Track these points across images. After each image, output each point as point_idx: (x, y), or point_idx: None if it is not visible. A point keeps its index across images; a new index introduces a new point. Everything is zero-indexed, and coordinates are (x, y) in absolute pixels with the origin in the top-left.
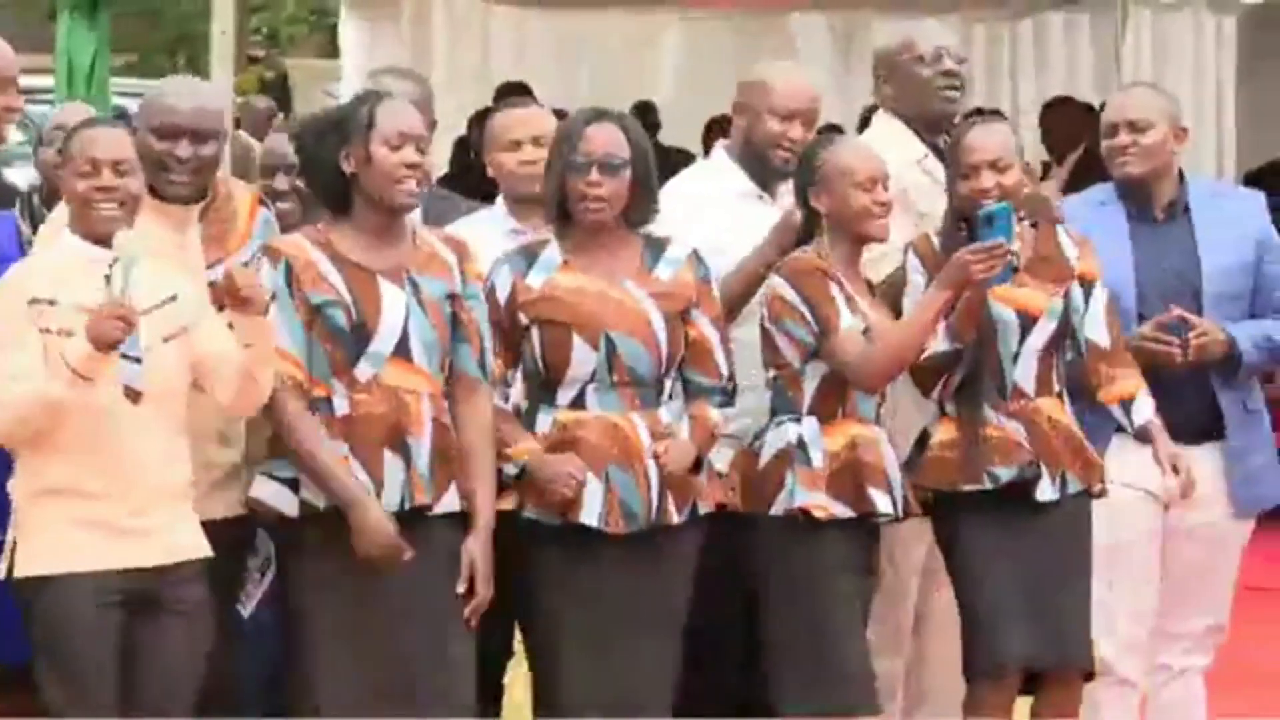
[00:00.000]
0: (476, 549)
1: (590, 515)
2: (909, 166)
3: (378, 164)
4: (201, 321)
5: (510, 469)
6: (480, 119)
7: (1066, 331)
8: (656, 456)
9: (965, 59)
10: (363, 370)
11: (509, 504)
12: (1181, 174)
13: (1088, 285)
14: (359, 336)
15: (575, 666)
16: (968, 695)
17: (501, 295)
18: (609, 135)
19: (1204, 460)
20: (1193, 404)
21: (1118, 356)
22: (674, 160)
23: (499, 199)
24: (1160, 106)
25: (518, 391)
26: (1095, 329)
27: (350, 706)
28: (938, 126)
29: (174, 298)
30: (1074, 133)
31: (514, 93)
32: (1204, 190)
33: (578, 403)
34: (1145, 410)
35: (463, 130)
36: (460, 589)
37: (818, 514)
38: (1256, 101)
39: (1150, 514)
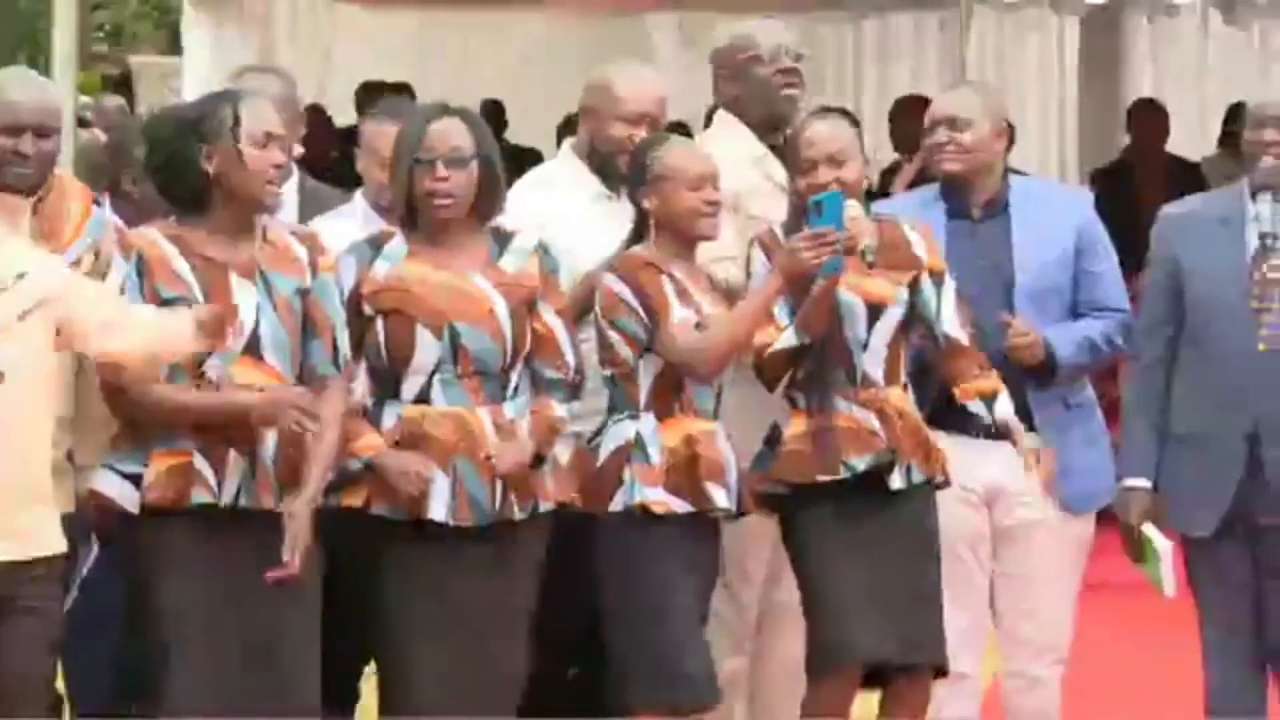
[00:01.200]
0: (299, 508)
1: (438, 510)
2: (746, 167)
3: (248, 164)
4: (68, 290)
5: (356, 464)
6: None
7: (912, 321)
8: (487, 458)
9: (804, 56)
10: (212, 367)
11: (357, 500)
12: (1007, 172)
13: (937, 278)
14: (210, 331)
15: (423, 662)
16: (808, 692)
17: (346, 285)
18: (453, 130)
19: (1013, 457)
20: (1014, 401)
21: (974, 353)
22: (523, 159)
23: (358, 195)
24: (981, 105)
25: (361, 386)
26: (951, 325)
27: (199, 701)
28: (777, 125)
29: (23, 275)
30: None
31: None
32: (1028, 188)
33: (423, 396)
34: (1006, 407)
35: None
36: (285, 556)
37: (656, 509)
38: (1099, 101)
39: (969, 515)
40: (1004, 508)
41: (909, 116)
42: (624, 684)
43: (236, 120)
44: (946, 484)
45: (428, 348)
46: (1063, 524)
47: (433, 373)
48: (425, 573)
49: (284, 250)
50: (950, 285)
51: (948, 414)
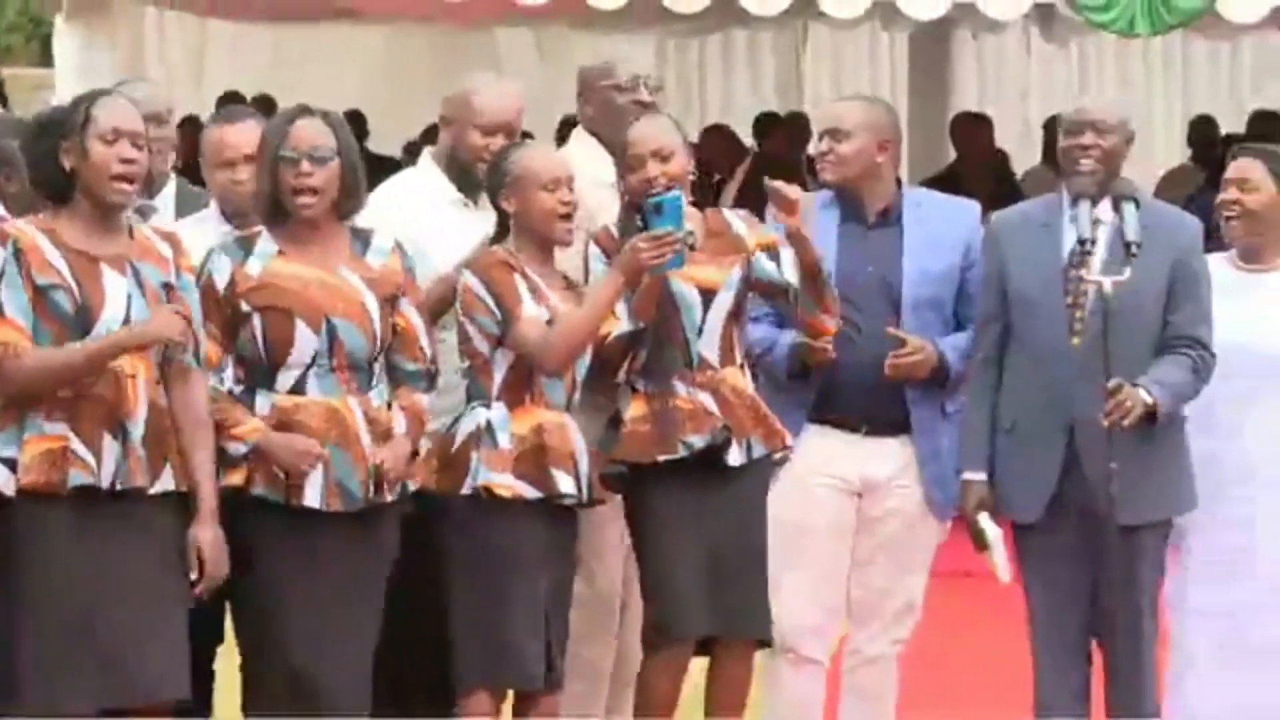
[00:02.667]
0: (204, 535)
1: (312, 497)
2: (599, 188)
3: (93, 159)
4: None
5: (239, 448)
6: (181, 126)
7: (744, 302)
8: (380, 464)
9: (661, 87)
10: None
11: (238, 479)
12: (899, 182)
13: (771, 250)
14: (82, 320)
15: (293, 639)
16: (642, 666)
17: (220, 283)
18: (315, 129)
19: (893, 452)
20: (885, 399)
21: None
22: (382, 167)
23: (213, 201)
24: (864, 117)
25: (229, 377)
26: (794, 275)
27: (65, 690)
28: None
29: None
30: (729, 156)
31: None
32: (920, 199)
33: (298, 387)
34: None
35: None
36: (193, 576)
37: (502, 493)
38: (928, 114)
39: (841, 503)
40: (873, 499)
41: (715, 144)
42: (459, 660)
43: (89, 118)
44: (786, 459)
45: (306, 341)
46: (924, 519)
47: (309, 365)
48: (297, 553)
49: (150, 246)
50: (788, 250)
51: (830, 408)
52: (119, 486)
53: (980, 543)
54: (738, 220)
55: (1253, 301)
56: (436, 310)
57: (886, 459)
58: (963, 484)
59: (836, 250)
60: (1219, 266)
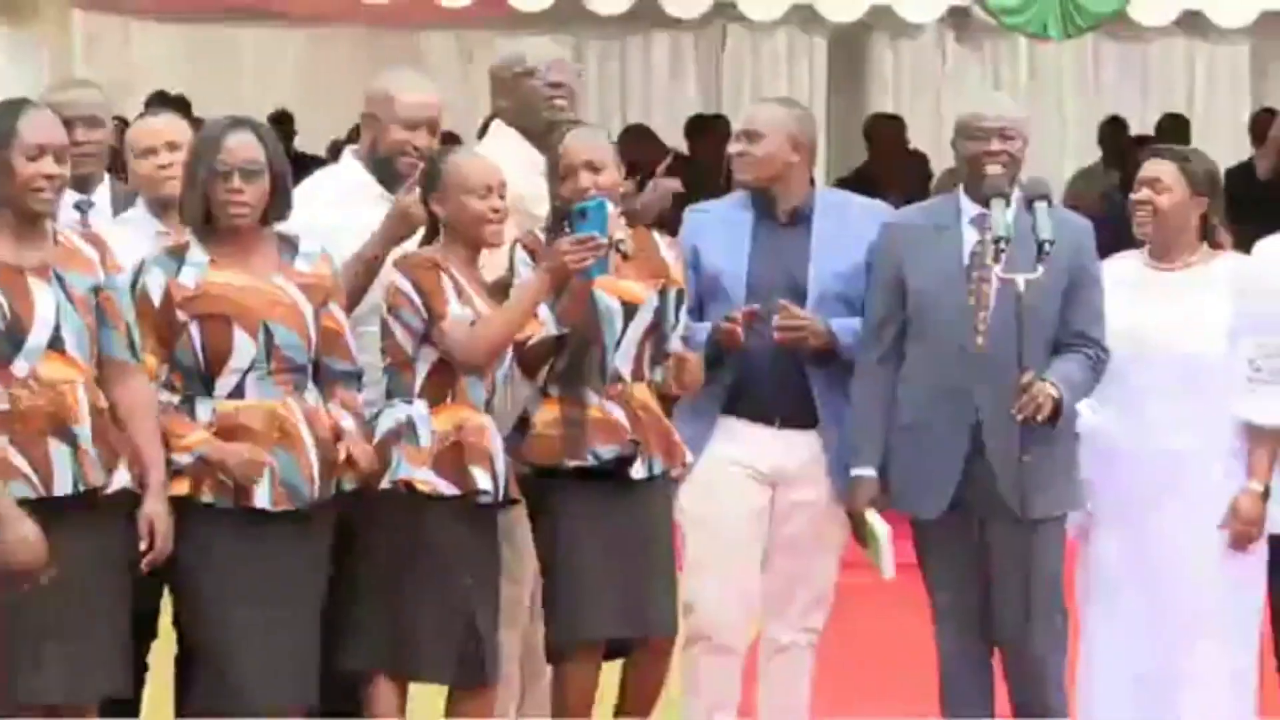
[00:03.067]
0: (155, 509)
1: (262, 498)
2: (527, 172)
3: (17, 175)
4: None
5: (184, 458)
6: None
7: (661, 323)
8: (349, 460)
9: (579, 71)
10: (19, 366)
11: (184, 489)
12: (812, 182)
13: (679, 295)
14: (13, 334)
15: (242, 639)
16: (554, 672)
17: (156, 296)
18: (246, 143)
19: (801, 444)
20: (792, 393)
21: (693, 364)
22: (307, 165)
23: (139, 202)
24: (779, 120)
25: (164, 387)
26: (677, 342)
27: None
28: (548, 137)
29: None
30: (648, 156)
31: (167, 104)
32: (832, 199)
33: (237, 391)
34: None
35: None
36: (142, 547)
37: (421, 488)
38: (845, 114)
39: (755, 492)
40: (785, 491)
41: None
42: (362, 649)
43: (13, 132)
44: (682, 477)
45: (244, 347)
46: (834, 511)
47: (247, 370)
48: (247, 554)
49: (75, 251)
50: (685, 305)
51: (742, 402)
52: (80, 488)
53: (864, 537)
54: (665, 246)
55: (1161, 299)
56: (355, 295)
57: (797, 451)
58: (852, 480)
59: (749, 249)
60: (1129, 264)
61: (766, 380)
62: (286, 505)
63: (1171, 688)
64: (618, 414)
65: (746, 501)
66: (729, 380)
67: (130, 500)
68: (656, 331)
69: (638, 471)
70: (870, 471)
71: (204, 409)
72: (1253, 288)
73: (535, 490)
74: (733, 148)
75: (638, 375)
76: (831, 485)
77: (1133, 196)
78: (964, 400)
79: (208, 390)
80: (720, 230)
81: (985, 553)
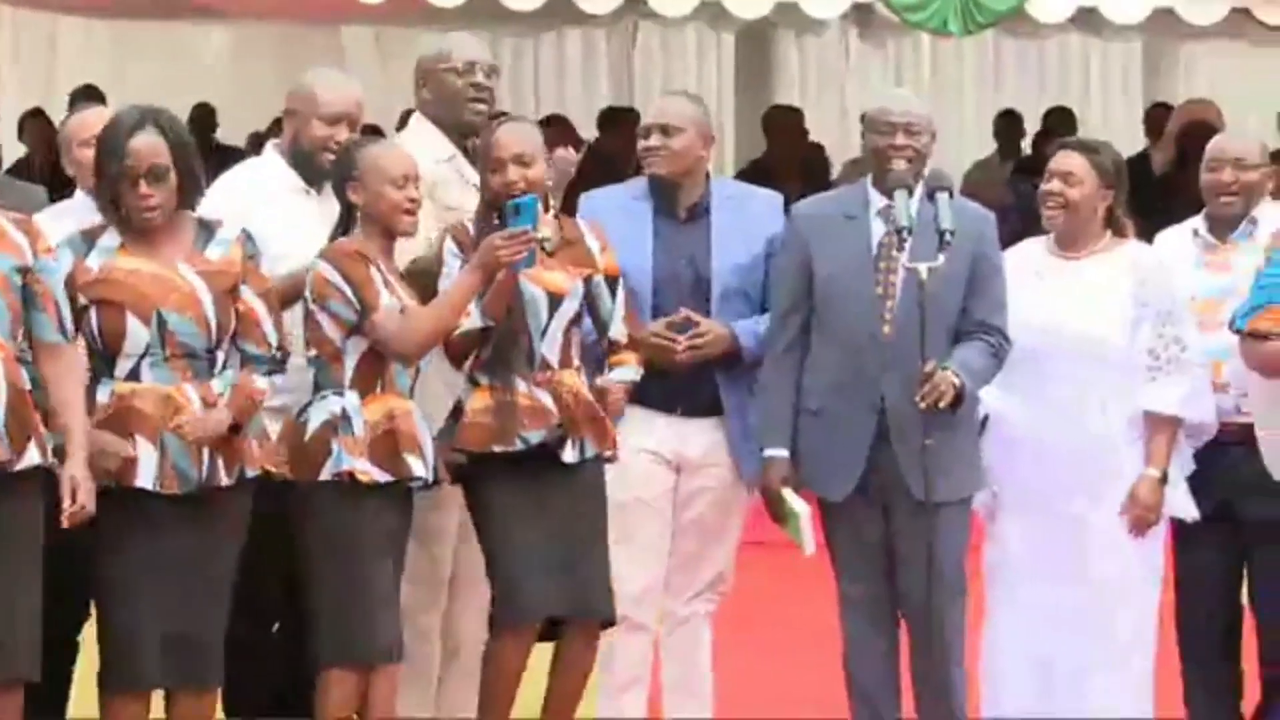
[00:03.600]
0: (75, 471)
1: (145, 479)
2: (439, 164)
3: None
4: None
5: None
6: (32, 117)
7: (584, 311)
8: (178, 428)
9: (496, 69)
10: None
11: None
12: (708, 176)
13: (612, 282)
14: None
15: (140, 628)
16: (488, 644)
17: (63, 276)
18: (152, 144)
19: (706, 432)
20: (699, 384)
21: (634, 348)
22: (228, 157)
23: (78, 191)
24: (691, 114)
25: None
26: (618, 329)
27: None
28: (467, 131)
29: None
30: (565, 143)
31: (87, 97)
32: (727, 192)
33: (134, 375)
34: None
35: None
36: (65, 505)
37: (361, 478)
38: (752, 108)
39: (663, 477)
40: (688, 476)
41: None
42: (318, 639)
43: None
44: (614, 458)
45: (137, 333)
46: (734, 494)
47: (142, 355)
48: (137, 538)
49: (2, 234)
50: (622, 292)
51: (650, 392)
52: None
53: (780, 516)
54: (591, 235)
55: (1065, 286)
56: (289, 299)
57: (699, 438)
58: (765, 461)
59: (652, 244)
60: (1035, 250)
61: (672, 372)
62: (175, 489)
63: (1073, 674)
64: (546, 400)
65: (653, 488)
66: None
67: (42, 477)
68: (583, 319)
69: (569, 455)
70: (782, 452)
71: (104, 390)
72: (1153, 278)
73: (470, 476)
74: (647, 141)
75: (565, 362)
76: (733, 468)
77: (1044, 187)
78: (870, 387)
79: (109, 371)
80: (620, 222)
81: (891, 536)
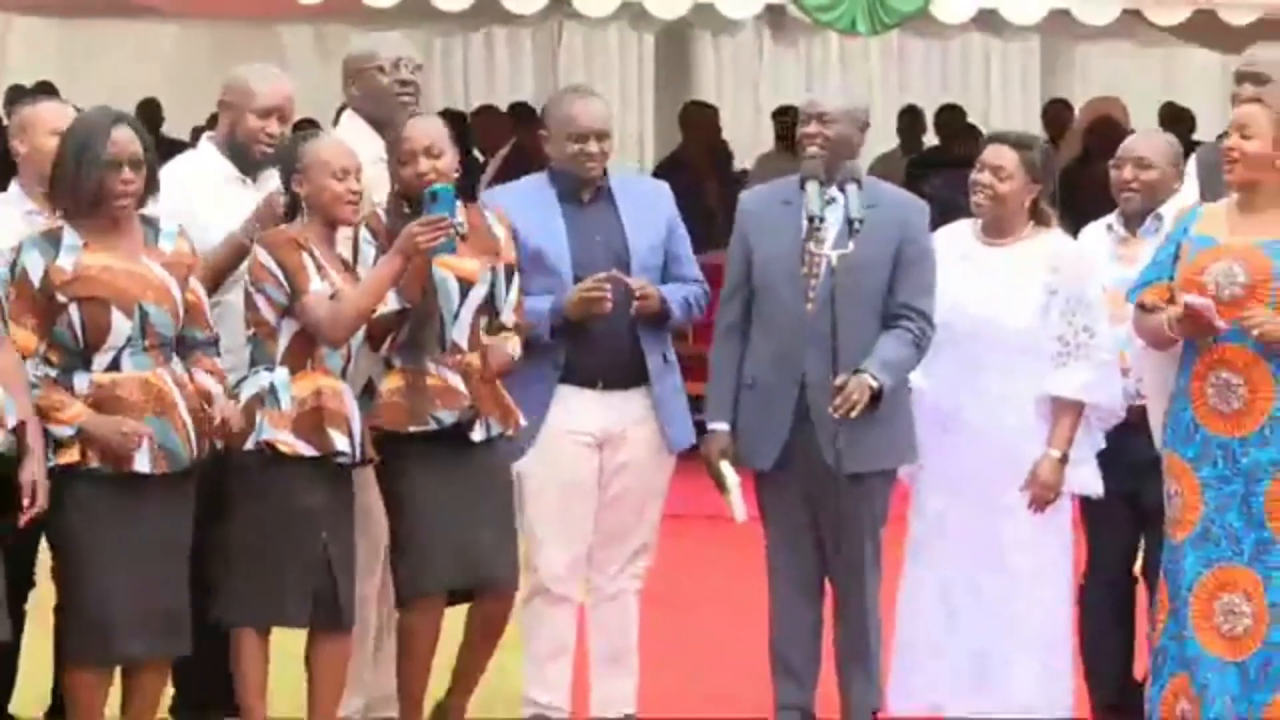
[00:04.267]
0: (34, 470)
1: (142, 463)
2: (370, 163)
3: None
4: None
5: (65, 430)
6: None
7: (493, 297)
8: (225, 421)
9: (421, 66)
10: None
11: (71, 457)
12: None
13: (509, 270)
14: None
15: (118, 605)
16: (400, 618)
17: (35, 277)
18: (131, 136)
19: (633, 403)
20: (624, 357)
21: (521, 331)
22: (172, 150)
23: (13, 183)
24: (611, 118)
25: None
26: (509, 314)
27: None
28: (393, 127)
29: None
30: (498, 133)
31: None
32: (620, 178)
33: (113, 366)
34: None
35: None
36: (25, 504)
37: (283, 449)
38: (671, 104)
39: (588, 457)
40: (612, 448)
41: (485, 122)
42: (227, 602)
43: None
44: (517, 437)
45: (121, 326)
46: (657, 460)
47: (123, 347)
48: (127, 515)
49: None
50: (516, 280)
51: (575, 368)
52: None
53: (721, 485)
54: (497, 224)
55: (990, 271)
56: (224, 272)
57: (622, 411)
58: (707, 434)
59: (565, 226)
60: (962, 234)
61: (597, 347)
62: (166, 468)
63: (982, 656)
64: (456, 381)
65: (578, 468)
66: (564, 350)
67: None
68: (492, 304)
69: (477, 434)
70: (723, 426)
71: (81, 382)
72: (1067, 268)
73: (382, 453)
74: (586, 146)
75: (474, 345)
76: (658, 434)
77: (975, 177)
78: (794, 362)
79: (86, 365)
80: (528, 209)
81: (813, 502)
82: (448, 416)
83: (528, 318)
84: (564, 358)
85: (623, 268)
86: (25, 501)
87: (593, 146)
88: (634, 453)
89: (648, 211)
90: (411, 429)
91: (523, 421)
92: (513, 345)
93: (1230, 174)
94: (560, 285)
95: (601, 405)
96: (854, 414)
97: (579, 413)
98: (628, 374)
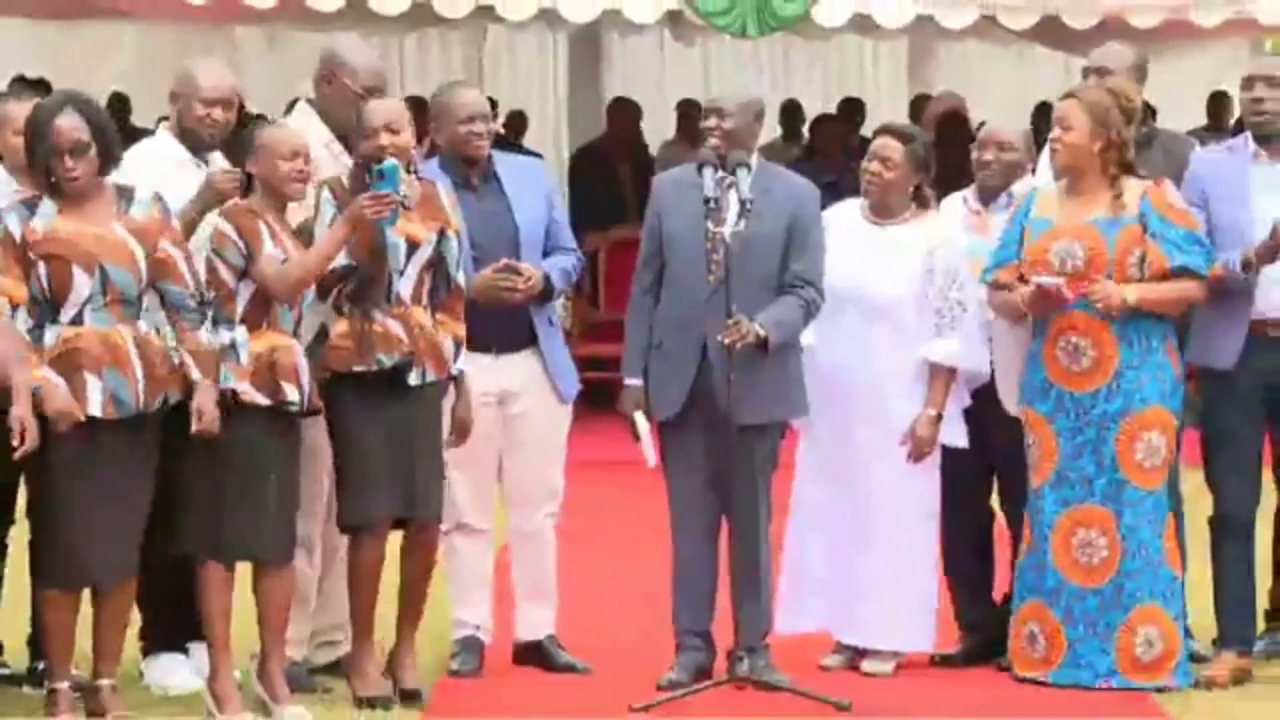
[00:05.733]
0: (24, 413)
1: (94, 408)
2: (318, 146)
3: None
4: None
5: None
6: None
7: (439, 259)
8: (200, 413)
9: (382, 71)
10: None
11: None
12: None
13: (458, 236)
14: None
15: (78, 528)
16: (348, 549)
17: (16, 235)
18: (73, 124)
19: (524, 362)
20: (514, 324)
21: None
22: (140, 137)
23: (0, 168)
24: (486, 102)
25: (22, 314)
26: (459, 275)
27: None
28: (350, 120)
29: None
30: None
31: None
32: (503, 161)
33: (76, 319)
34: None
35: None
36: (15, 443)
37: (244, 398)
38: (583, 98)
39: (489, 414)
40: (511, 404)
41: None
42: (190, 538)
43: None
44: (452, 379)
45: (82, 284)
46: (551, 410)
47: (85, 302)
48: (81, 453)
49: None
50: (466, 244)
51: (474, 336)
52: None
53: (635, 434)
54: (446, 198)
55: (874, 248)
56: (185, 236)
57: (516, 371)
58: (623, 388)
59: (460, 210)
60: (850, 213)
61: (491, 318)
62: (113, 414)
63: (861, 586)
64: (398, 330)
65: (482, 424)
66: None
67: None
68: (437, 265)
69: (413, 379)
70: (636, 381)
71: (50, 334)
72: (942, 248)
73: (330, 392)
74: (478, 127)
75: (417, 300)
76: (551, 389)
77: (865, 165)
78: (696, 326)
79: (54, 319)
80: None
81: (711, 448)
82: (389, 360)
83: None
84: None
85: (512, 242)
86: (15, 441)
87: (479, 126)
88: (528, 404)
89: (529, 189)
90: (356, 368)
91: (453, 371)
92: None
93: (1055, 162)
94: (462, 264)
95: (497, 367)
96: (738, 347)
97: (478, 376)
98: (519, 338)
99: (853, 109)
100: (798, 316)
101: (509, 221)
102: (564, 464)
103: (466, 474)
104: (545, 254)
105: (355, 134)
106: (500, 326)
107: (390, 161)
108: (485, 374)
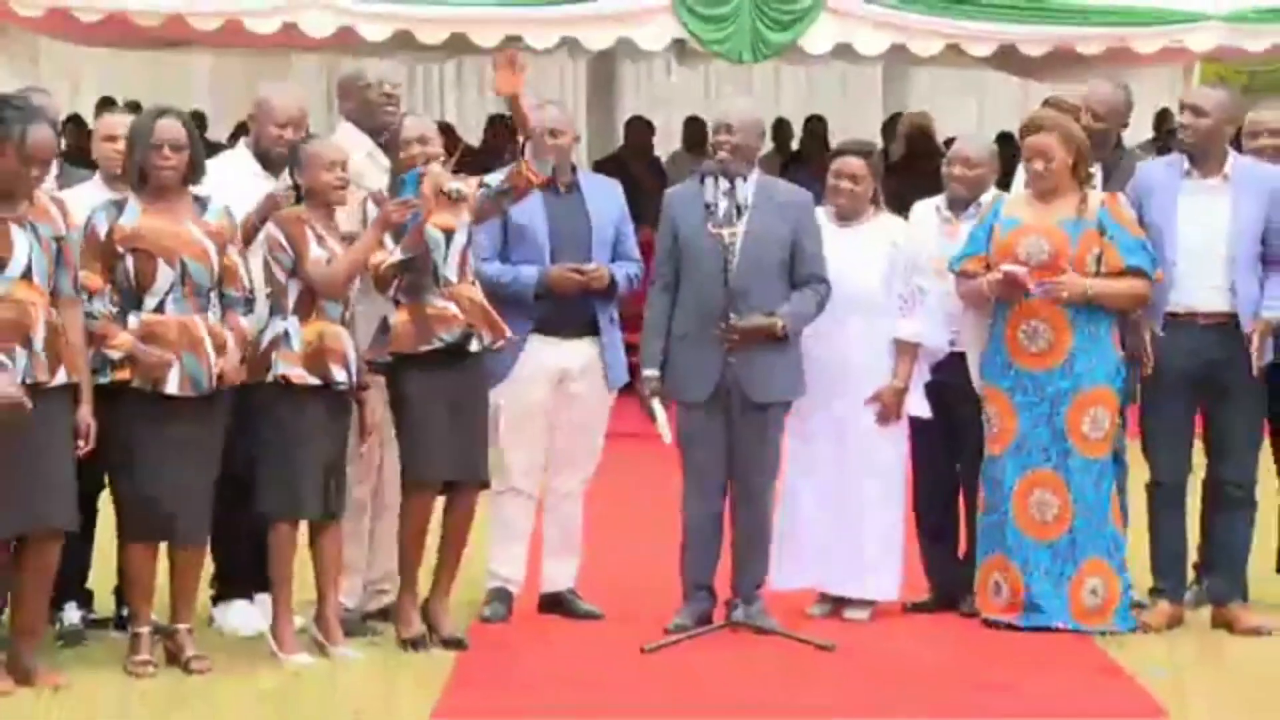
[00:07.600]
0: (87, 415)
1: (172, 386)
2: (362, 156)
3: (19, 168)
4: None
5: (116, 354)
6: (72, 122)
7: (471, 239)
8: (220, 371)
9: (400, 84)
10: None
11: (122, 375)
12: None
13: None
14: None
15: (156, 485)
16: (402, 504)
17: (101, 232)
18: (173, 125)
19: (584, 348)
20: (580, 315)
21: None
22: (213, 150)
23: (96, 175)
24: (572, 122)
25: (107, 301)
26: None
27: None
28: (381, 129)
29: None
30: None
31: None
32: (586, 176)
33: (158, 308)
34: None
35: None
36: (79, 444)
37: (295, 381)
38: (600, 118)
39: (547, 389)
40: (568, 382)
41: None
42: (260, 490)
43: (24, 136)
44: (505, 346)
45: (165, 275)
46: (600, 394)
47: (167, 292)
48: (161, 425)
49: (44, 209)
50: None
51: (544, 321)
52: (28, 381)
53: (652, 416)
54: (464, 186)
55: (846, 247)
56: (248, 239)
57: (576, 355)
58: (642, 377)
59: (544, 210)
60: (823, 220)
61: (561, 307)
62: (189, 392)
63: (840, 547)
64: (452, 308)
65: (539, 395)
66: (538, 309)
67: (68, 390)
68: (472, 243)
69: (474, 346)
70: (655, 371)
71: (134, 319)
72: (904, 244)
73: (395, 373)
74: (548, 142)
75: (462, 278)
76: (603, 374)
77: (835, 184)
78: (715, 319)
79: (137, 306)
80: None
81: (727, 424)
82: (449, 336)
83: (518, 281)
84: (537, 312)
85: (585, 242)
86: (81, 441)
87: (563, 141)
88: (582, 387)
89: (605, 201)
90: (421, 349)
91: (508, 333)
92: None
93: (1040, 185)
94: (539, 257)
95: (561, 350)
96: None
97: (544, 355)
98: (582, 328)
99: (821, 124)
100: (812, 309)
101: (585, 225)
102: (603, 439)
103: (522, 443)
104: (613, 259)
105: (391, 146)
106: (567, 315)
107: (412, 172)
108: (549, 354)
